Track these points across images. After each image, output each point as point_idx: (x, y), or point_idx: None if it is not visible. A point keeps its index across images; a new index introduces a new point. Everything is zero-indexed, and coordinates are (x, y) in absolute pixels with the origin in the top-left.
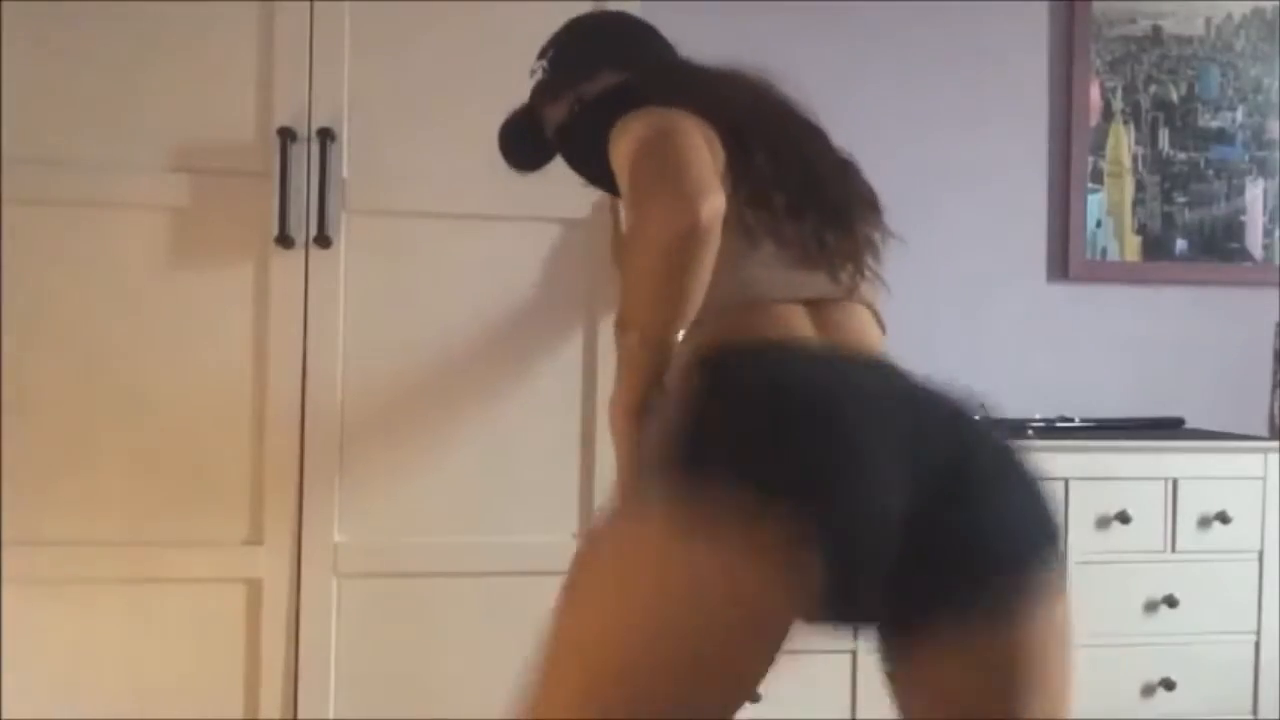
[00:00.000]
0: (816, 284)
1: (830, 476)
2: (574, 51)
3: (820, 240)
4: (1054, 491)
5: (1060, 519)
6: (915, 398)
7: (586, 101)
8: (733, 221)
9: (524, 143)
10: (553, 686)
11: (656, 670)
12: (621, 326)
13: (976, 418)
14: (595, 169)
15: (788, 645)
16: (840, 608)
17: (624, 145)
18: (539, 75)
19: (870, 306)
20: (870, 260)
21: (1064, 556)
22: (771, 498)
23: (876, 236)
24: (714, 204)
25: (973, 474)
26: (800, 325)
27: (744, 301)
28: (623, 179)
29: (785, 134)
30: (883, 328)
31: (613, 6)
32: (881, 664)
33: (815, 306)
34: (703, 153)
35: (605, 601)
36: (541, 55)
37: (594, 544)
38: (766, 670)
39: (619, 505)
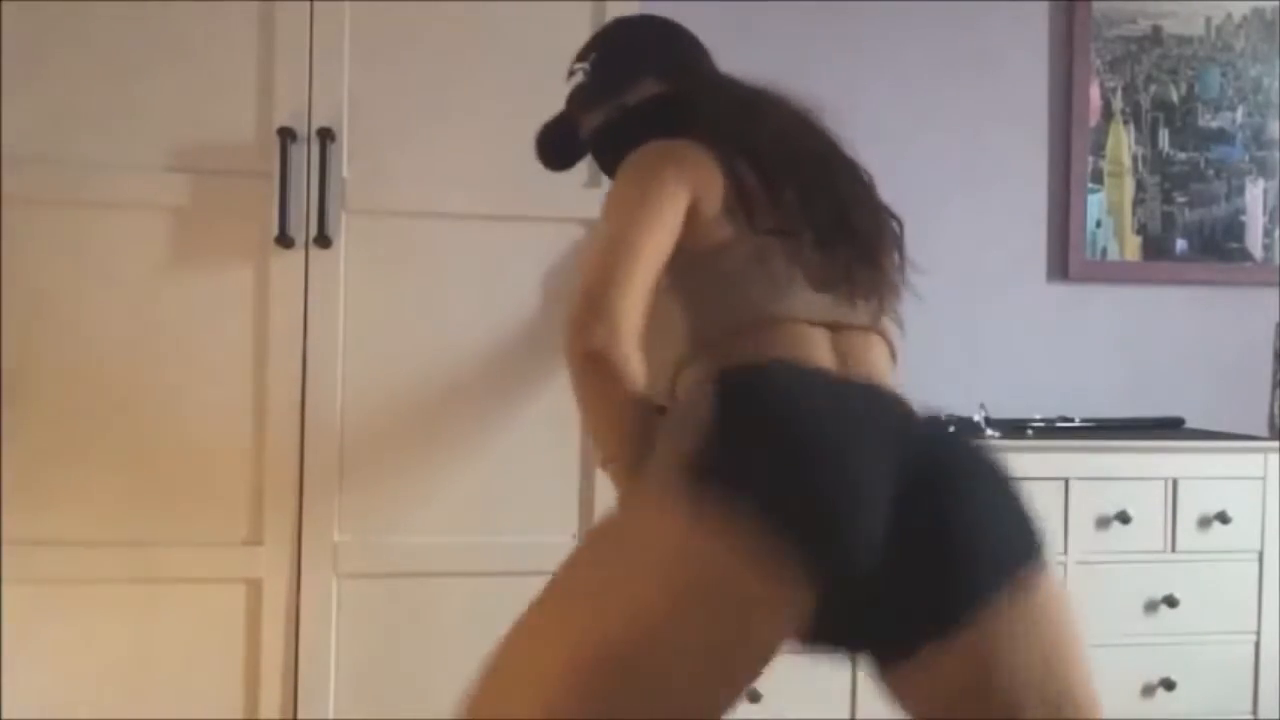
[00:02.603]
0: (837, 310)
1: (829, 507)
2: (618, 57)
3: (848, 271)
4: (1033, 503)
5: (1043, 529)
6: (907, 426)
7: (627, 109)
8: (752, 250)
9: (557, 143)
10: (532, 674)
11: (641, 665)
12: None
13: (959, 440)
14: None
15: (775, 658)
16: (832, 627)
17: (614, 188)
18: (579, 78)
19: (887, 339)
20: (891, 296)
21: (1047, 564)
22: (773, 522)
23: (898, 276)
24: (602, 338)
25: (954, 494)
26: (816, 347)
27: (760, 321)
28: (601, 220)
29: (818, 164)
30: (895, 360)
31: (615, 8)
32: (880, 682)
33: (835, 331)
34: (650, 253)
35: (601, 595)
36: (582, 57)
37: (591, 543)
38: (746, 683)
39: (623, 508)
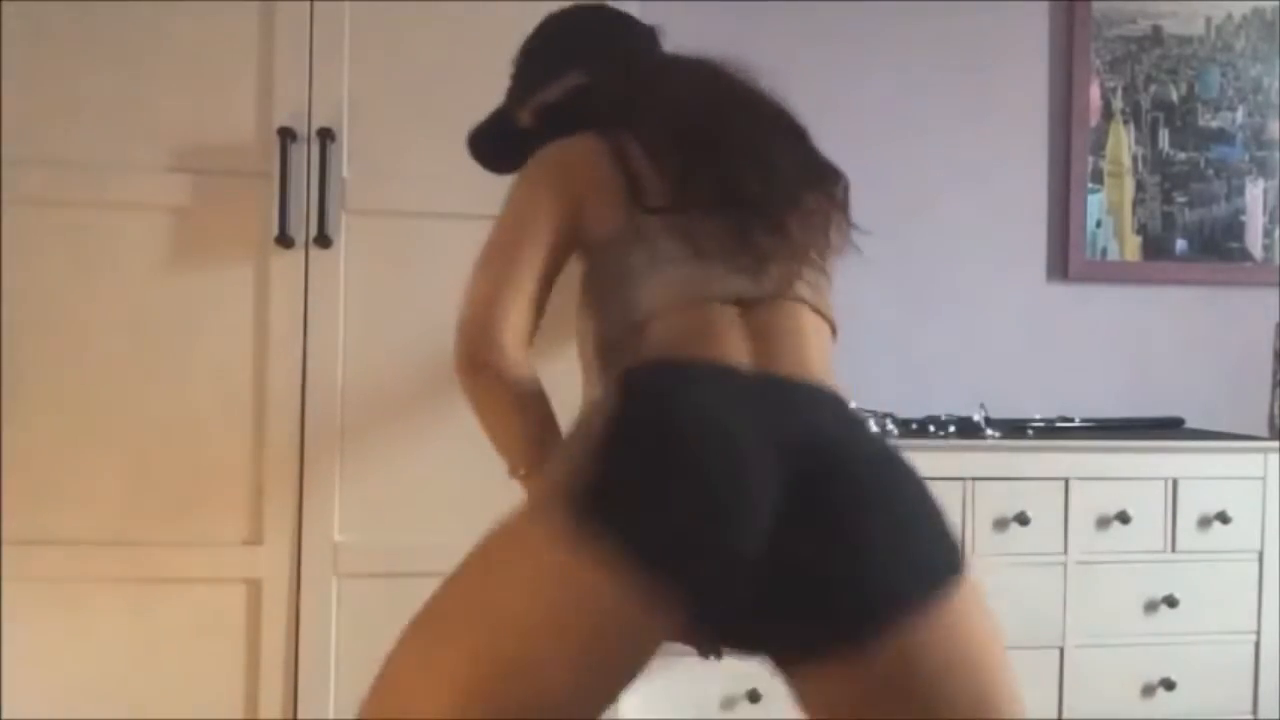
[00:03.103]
0: (742, 282)
1: (696, 537)
2: (542, 52)
3: (745, 239)
4: (939, 502)
5: (953, 531)
6: (798, 432)
7: (545, 108)
8: (643, 237)
9: (493, 143)
10: (418, 694)
11: (520, 679)
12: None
13: (862, 441)
14: None
15: (647, 663)
16: (715, 639)
17: (505, 203)
18: (509, 81)
19: (810, 304)
20: (810, 247)
21: (957, 567)
22: (640, 552)
23: (821, 232)
24: (483, 350)
25: (853, 503)
26: (726, 330)
27: (663, 309)
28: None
29: (708, 136)
30: (831, 325)
31: (611, 5)
32: (784, 680)
33: (747, 307)
34: (527, 271)
35: (470, 589)
36: (514, 61)
37: (474, 561)
38: (621, 690)
39: (506, 525)
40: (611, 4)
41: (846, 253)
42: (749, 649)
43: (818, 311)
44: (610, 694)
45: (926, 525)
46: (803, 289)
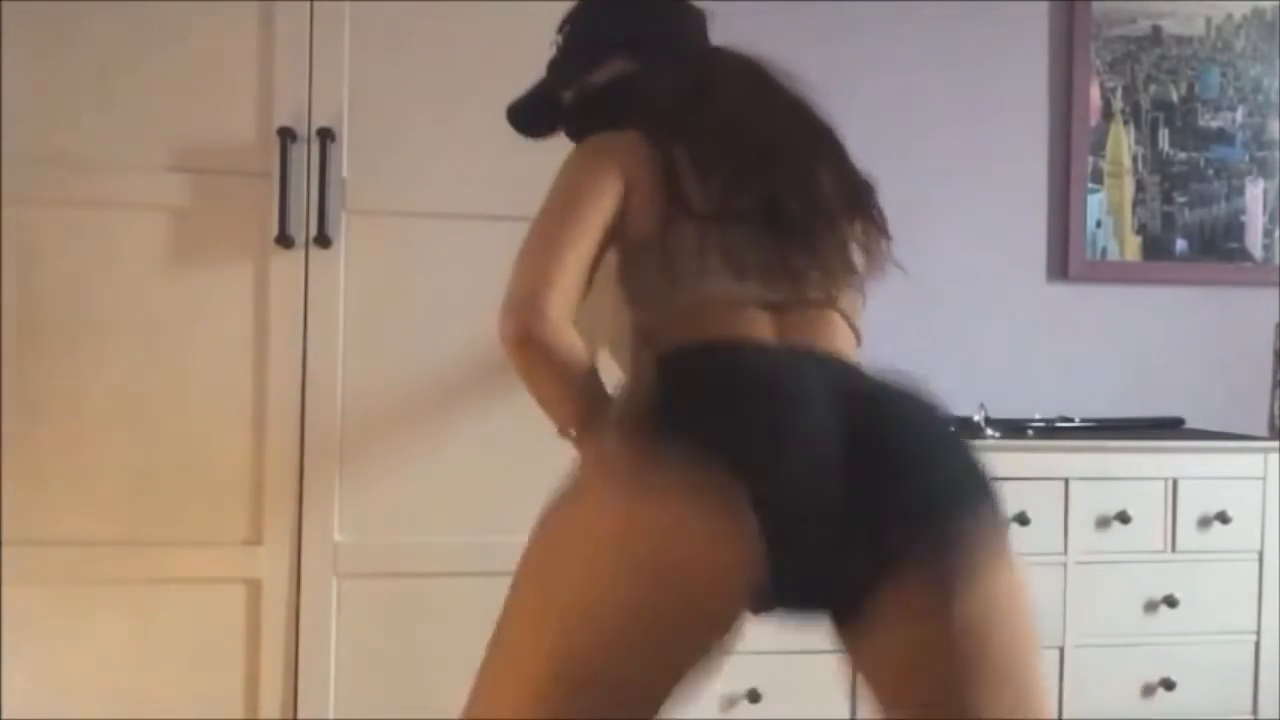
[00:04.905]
0: (772, 293)
1: (771, 450)
2: (589, 32)
3: (782, 258)
4: (984, 460)
5: (992, 481)
6: (847, 381)
7: (588, 93)
8: (684, 239)
9: (534, 111)
10: (507, 685)
11: (592, 641)
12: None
13: (904, 394)
14: None
15: (731, 639)
16: (785, 587)
17: (552, 186)
18: (553, 52)
19: (841, 312)
20: (844, 271)
21: (998, 515)
22: (717, 465)
23: (854, 246)
24: (531, 324)
25: (895, 445)
26: (756, 324)
27: (695, 306)
28: None
29: (757, 150)
30: (856, 335)
31: None
32: (846, 659)
33: (776, 310)
34: (578, 250)
35: (546, 572)
36: (560, 29)
37: (543, 522)
38: (702, 658)
39: (563, 495)
40: None
41: (885, 271)
42: (807, 601)
43: (845, 318)
44: (685, 665)
45: (970, 463)
46: (836, 300)
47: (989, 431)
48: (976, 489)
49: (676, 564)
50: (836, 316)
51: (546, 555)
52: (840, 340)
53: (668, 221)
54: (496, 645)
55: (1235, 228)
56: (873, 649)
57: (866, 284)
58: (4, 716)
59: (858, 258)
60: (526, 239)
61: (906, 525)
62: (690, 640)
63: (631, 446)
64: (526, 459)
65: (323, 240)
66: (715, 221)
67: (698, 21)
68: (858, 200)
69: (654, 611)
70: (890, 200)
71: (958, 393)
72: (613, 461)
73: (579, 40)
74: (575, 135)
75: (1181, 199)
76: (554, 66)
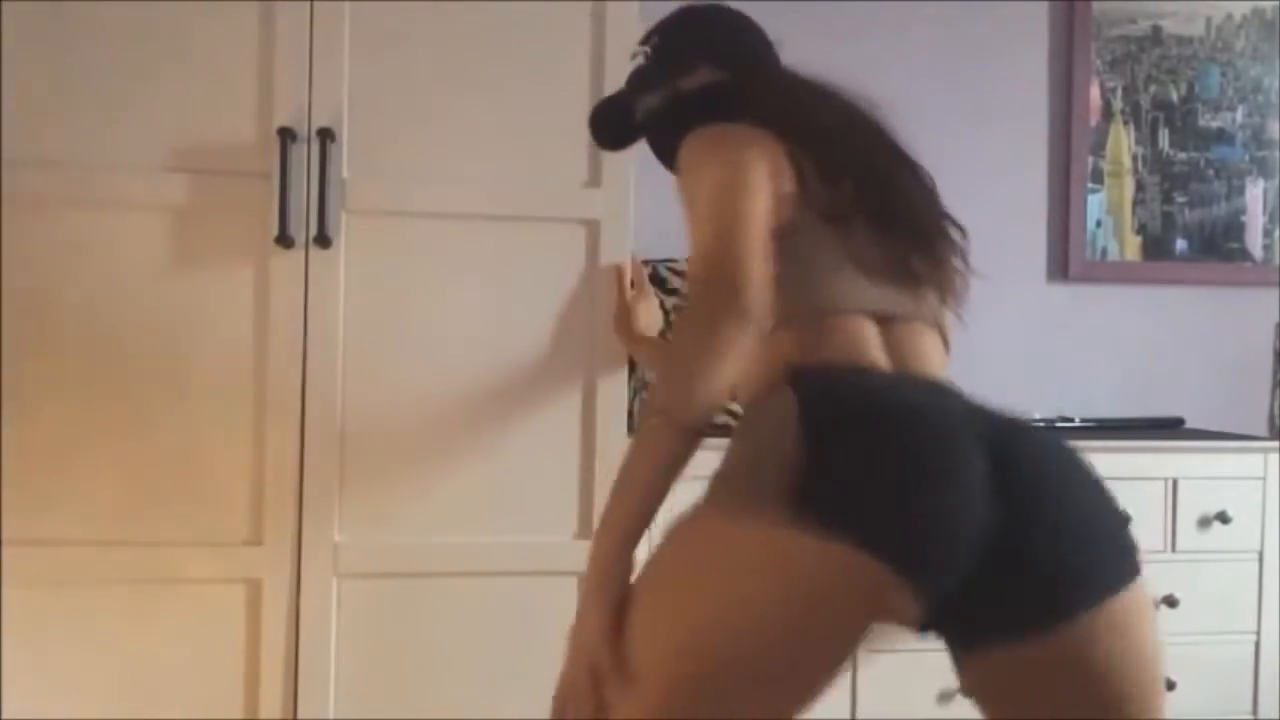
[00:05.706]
0: (891, 301)
1: (935, 526)
2: (678, 42)
3: (906, 263)
4: (1120, 503)
5: (1130, 524)
6: (986, 424)
7: (682, 95)
8: (810, 237)
9: (613, 122)
10: (641, 679)
11: (730, 665)
12: (652, 408)
13: (1041, 436)
14: (674, 161)
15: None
16: (928, 627)
17: (694, 174)
18: (639, 61)
19: (941, 330)
20: (951, 290)
21: (1138, 571)
22: (879, 545)
23: (959, 270)
24: (760, 299)
25: (1038, 490)
26: (867, 341)
27: (813, 311)
28: (689, 212)
29: (874, 157)
30: (947, 349)
31: (614, 9)
32: (958, 678)
33: (885, 322)
34: (760, 223)
35: (689, 594)
36: (645, 40)
37: (680, 542)
38: (833, 676)
39: (708, 511)
40: (616, 4)
41: (964, 300)
42: (933, 628)
43: (944, 338)
44: (821, 686)
45: (1111, 516)
46: (941, 316)
47: None
48: (1122, 561)
49: (830, 598)
50: (935, 334)
51: (690, 578)
52: (937, 361)
53: (798, 216)
54: (631, 677)
55: (1235, 228)
56: (986, 678)
57: (957, 301)
58: (4, 716)
59: (959, 272)
60: (708, 228)
61: (1043, 601)
62: (816, 672)
63: (788, 509)
64: (526, 459)
65: (323, 240)
66: (844, 222)
67: (771, 47)
68: (952, 225)
69: (802, 641)
70: None
71: None
72: (766, 511)
73: (668, 50)
74: (662, 140)
75: (1181, 199)
76: (639, 75)
